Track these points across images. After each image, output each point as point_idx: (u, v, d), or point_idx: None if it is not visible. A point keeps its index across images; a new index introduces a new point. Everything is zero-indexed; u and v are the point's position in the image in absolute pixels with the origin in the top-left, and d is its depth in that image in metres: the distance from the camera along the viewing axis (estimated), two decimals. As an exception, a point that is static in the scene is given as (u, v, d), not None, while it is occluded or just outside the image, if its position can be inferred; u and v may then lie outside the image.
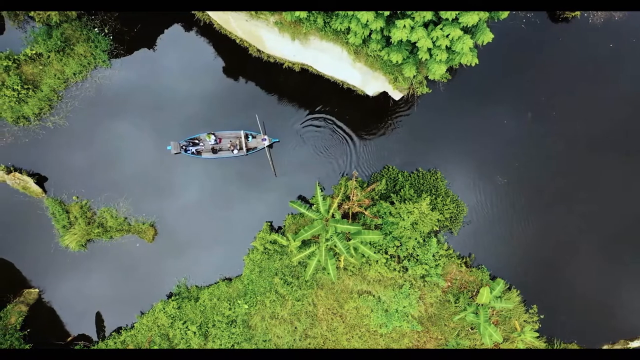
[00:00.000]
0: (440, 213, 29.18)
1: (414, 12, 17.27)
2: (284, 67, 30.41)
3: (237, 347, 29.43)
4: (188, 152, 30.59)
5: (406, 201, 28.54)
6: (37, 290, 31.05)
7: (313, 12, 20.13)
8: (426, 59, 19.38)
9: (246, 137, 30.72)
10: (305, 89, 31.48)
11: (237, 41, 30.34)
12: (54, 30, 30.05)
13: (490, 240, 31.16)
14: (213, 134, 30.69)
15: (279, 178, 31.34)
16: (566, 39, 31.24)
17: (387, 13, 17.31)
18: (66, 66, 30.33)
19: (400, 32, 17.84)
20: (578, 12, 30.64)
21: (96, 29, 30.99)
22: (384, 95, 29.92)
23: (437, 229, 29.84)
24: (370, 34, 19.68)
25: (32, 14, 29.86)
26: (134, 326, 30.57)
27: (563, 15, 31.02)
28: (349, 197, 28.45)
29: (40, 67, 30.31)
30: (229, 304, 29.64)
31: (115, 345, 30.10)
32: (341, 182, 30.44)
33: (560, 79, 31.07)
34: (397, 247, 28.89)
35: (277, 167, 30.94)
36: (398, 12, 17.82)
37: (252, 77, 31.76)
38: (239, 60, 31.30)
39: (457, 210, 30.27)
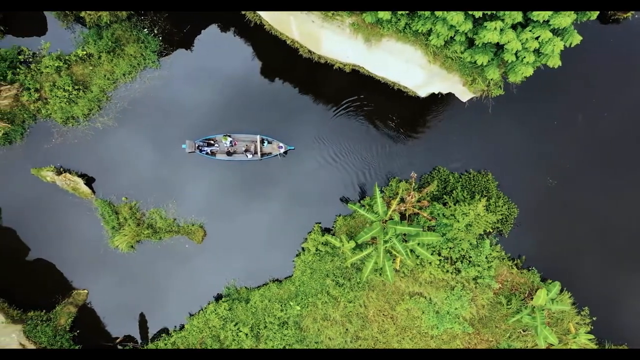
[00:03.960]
0: (493, 214, 29.10)
1: (504, 13, 17.23)
2: (334, 67, 30.32)
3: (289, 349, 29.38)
4: (203, 152, 30.45)
5: (459, 203, 28.51)
6: (85, 291, 31.01)
7: (397, 13, 20.07)
8: (512, 61, 19.33)
9: (262, 142, 30.58)
10: (352, 88, 31.39)
11: (288, 42, 30.23)
12: (104, 31, 29.99)
13: (540, 242, 31.11)
14: (229, 136, 30.56)
15: (309, 182, 31.38)
16: (617, 40, 31.13)
17: (478, 14, 17.28)
18: (116, 67, 30.25)
19: (490, 34, 17.79)
20: (630, 14, 30.56)
21: (145, 30, 30.90)
22: (434, 96, 29.92)
23: (490, 231, 29.77)
24: (453, 35, 19.62)
25: (82, 14, 29.79)
26: (183, 327, 30.52)
27: (614, 16, 30.93)
28: (403, 198, 28.37)
29: (91, 68, 30.24)
30: (281, 306, 29.59)
31: (166, 347, 30.05)
32: (392, 183, 30.40)
33: (611, 80, 30.99)
34: (450, 248, 28.83)
35: (301, 172, 31.41)
36: (487, 13, 17.77)
37: (299, 78, 31.71)
38: (288, 61, 31.21)
39: (508, 212, 30.21)
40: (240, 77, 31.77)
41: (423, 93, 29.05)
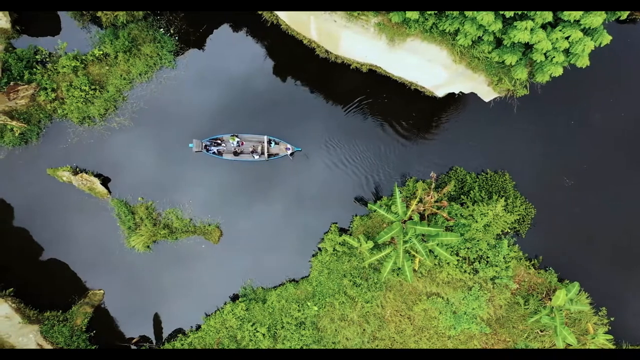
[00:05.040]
0: (511, 215, 29.04)
1: (535, 13, 17.17)
2: (351, 67, 30.25)
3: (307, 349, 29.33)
4: (210, 151, 30.43)
5: (477, 203, 28.44)
6: (102, 291, 30.97)
7: (424, 13, 20.01)
8: (541, 61, 19.27)
9: (269, 142, 30.55)
10: (367, 88, 31.32)
11: (305, 42, 30.15)
12: (121, 31, 29.94)
13: (557, 242, 31.02)
14: (236, 136, 30.50)
15: (323, 182, 31.29)
16: (633, 40, 31.08)
17: (509, 14, 17.23)
18: (133, 67, 30.19)
19: (521, 33, 17.74)
20: (646, 13, 30.51)
21: (162, 30, 30.84)
22: (451, 96, 29.87)
23: (508, 231, 29.72)
24: (481, 35, 19.56)
25: (99, 14, 29.77)
26: (200, 327, 30.46)
27: (631, 16, 30.86)
28: (422, 198, 28.32)
29: (107, 68, 30.19)
30: (298, 306, 29.53)
31: (182, 347, 29.99)
32: (409, 183, 30.34)
33: (628, 80, 30.92)
34: (468, 249, 28.77)
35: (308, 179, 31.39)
36: (517, 13, 17.69)
37: (314, 78, 31.64)
38: (303, 61, 31.14)
39: (525, 212, 30.15)
40: (254, 77, 31.70)
41: (441, 93, 28.98)
